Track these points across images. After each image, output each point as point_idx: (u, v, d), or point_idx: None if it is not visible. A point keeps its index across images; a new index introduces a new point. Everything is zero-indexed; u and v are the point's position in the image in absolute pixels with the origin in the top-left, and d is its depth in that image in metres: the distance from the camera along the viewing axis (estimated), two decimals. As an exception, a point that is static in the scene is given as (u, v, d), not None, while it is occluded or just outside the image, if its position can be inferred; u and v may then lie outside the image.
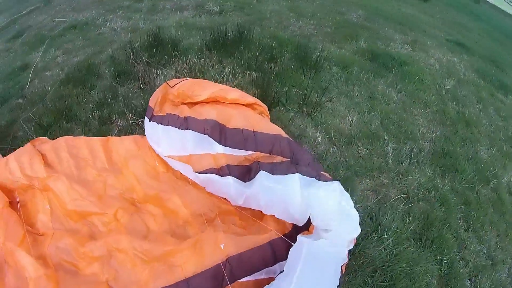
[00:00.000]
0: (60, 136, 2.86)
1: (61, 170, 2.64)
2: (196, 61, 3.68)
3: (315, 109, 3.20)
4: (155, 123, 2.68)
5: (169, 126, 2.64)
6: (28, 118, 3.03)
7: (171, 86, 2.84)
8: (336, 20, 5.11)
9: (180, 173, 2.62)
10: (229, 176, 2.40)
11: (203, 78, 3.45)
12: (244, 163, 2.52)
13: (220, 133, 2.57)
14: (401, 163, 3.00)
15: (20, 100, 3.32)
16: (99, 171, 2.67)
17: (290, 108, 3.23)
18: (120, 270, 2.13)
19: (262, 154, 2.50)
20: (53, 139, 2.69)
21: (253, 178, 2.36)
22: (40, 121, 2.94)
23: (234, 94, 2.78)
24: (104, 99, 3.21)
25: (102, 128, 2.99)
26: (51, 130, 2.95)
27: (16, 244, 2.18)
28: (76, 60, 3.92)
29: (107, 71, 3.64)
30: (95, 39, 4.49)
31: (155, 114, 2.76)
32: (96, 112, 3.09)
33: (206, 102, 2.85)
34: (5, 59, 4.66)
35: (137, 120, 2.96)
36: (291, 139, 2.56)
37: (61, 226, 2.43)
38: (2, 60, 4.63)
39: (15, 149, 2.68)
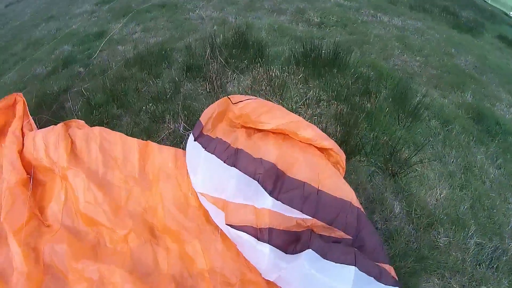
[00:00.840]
0: (104, 120, 2.54)
1: (87, 162, 2.33)
2: (279, 75, 3.15)
3: (401, 170, 2.55)
4: (199, 145, 2.21)
5: (214, 156, 2.15)
6: (79, 92, 2.74)
7: (233, 102, 2.32)
8: (443, 62, 4.34)
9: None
10: (267, 244, 1.86)
11: (281, 95, 2.95)
12: (293, 228, 1.95)
13: (275, 181, 2.04)
14: (480, 264, 2.26)
15: (82, 69, 3.08)
16: (127, 177, 2.30)
17: (372, 161, 2.61)
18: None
19: (321, 223, 1.94)
20: (91, 126, 2.34)
21: (298, 253, 1.85)
22: (89, 99, 2.62)
23: (309, 132, 2.18)
24: (164, 93, 2.85)
25: (151, 125, 2.65)
26: (98, 112, 2.67)
27: (14, 228, 2.04)
28: (153, 41, 3.62)
29: (179, 60, 3.28)
30: (179, 24, 4.21)
31: (204, 133, 2.29)
32: (151, 106, 2.71)
33: (272, 132, 2.29)
34: (86, 22, 4.59)
35: (190, 130, 2.51)
36: (362, 210, 1.98)
37: (70, 223, 2.18)
38: (83, 23, 4.56)
39: (55, 122, 2.47)
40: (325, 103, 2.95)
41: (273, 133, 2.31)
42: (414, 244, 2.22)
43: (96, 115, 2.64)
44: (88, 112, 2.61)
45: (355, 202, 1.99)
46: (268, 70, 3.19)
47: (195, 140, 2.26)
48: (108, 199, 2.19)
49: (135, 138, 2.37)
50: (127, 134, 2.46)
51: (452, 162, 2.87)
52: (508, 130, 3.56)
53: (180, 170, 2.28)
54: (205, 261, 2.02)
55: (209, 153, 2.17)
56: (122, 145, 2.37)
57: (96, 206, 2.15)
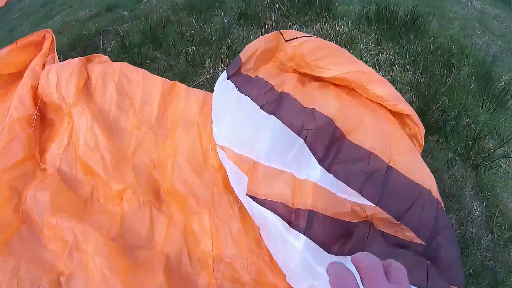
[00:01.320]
0: (137, 61, 2.16)
1: (100, 101, 1.92)
2: (347, 31, 2.51)
3: (484, 162, 1.98)
4: (232, 84, 1.63)
5: (248, 98, 1.55)
6: (117, 32, 2.37)
7: (286, 39, 1.66)
8: None
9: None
10: (303, 236, 1.22)
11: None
12: (346, 217, 1.26)
13: (329, 144, 1.39)
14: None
15: (126, 13, 2.71)
16: (141, 122, 1.81)
17: (452, 145, 2.04)
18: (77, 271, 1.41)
19: (386, 215, 1.25)
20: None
21: (345, 255, 1.23)
22: (124, 38, 2.21)
23: (382, 89, 1.49)
24: (209, 36, 2.36)
25: (188, 69, 2.22)
26: (132, 52, 2.27)
27: (3, 166, 1.71)
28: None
29: (233, 5, 2.76)
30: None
31: (243, 72, 1.66)
32: (192, 49, 2.23)
33: (333, 84, 1.58)
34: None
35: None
36: (442, 205, 1.31)
37: (68, 170, 1.78)
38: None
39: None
40: (399, 68, 2.43)
41: (335, 84, 1.62)
42: (491, 261, 1.67)
43: (129, 56, 2.29)
44: (120, 52, 2.24)
45: (435, 192, 1.28)
46: (335, 25, 2.59)
47: (228, 79, 1.65)
48: (111, 145, 1.72)
49: (160, 77, 1.86)
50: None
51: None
52: None
53: (205, 117, 1.69)
54: (213, 243, 1.42)
55: (243, 95, 1.55)
56: (144, 85, 1.89)
57: (95, 152, 1.70)
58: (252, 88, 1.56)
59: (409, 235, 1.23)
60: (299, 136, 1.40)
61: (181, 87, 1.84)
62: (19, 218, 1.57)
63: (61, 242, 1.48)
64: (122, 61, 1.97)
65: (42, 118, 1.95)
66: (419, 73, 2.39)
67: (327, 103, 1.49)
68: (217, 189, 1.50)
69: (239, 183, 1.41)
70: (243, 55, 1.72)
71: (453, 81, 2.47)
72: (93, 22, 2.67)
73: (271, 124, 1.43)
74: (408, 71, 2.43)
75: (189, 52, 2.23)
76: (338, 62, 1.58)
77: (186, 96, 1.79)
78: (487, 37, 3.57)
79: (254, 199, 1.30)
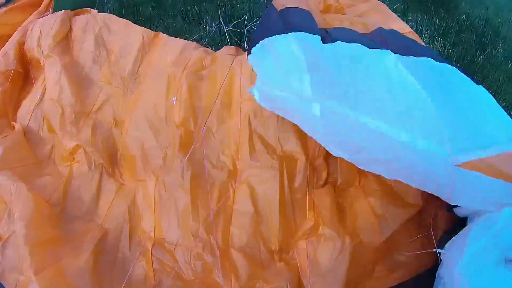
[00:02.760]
0: (133, 21, 1.93)
1: (77, 54, 1.67)
2: None
3: None
4: None
5: None
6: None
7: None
8: None
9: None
10: None
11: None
12: None
13: None
14: None
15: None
16: (113, 75, 1.52)
17: None
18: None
19: None
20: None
21: None
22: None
23: None
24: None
25: (183, 27, 1.98)
26: (129, 12, 2.10)
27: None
28: None
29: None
30: None
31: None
32: (192, 7, 2.01)
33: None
34: None
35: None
36: None
37: (36, 127, 1.56)
38: None
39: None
40: (428, 38, 2.25)
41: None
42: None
43: (125, 15, 2.04)
44: (118, 14, 1.97)
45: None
46: None
47: None
48: (75, 99, 1.46)
49: (143, 28, 1.58)
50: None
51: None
52: None
53: (179, 68, 1.35)
54: (153, 222, 1.05)
55: None
56: (124, 36, 1.62)
57: (56, 106, 1.49)
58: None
59: None
60: None
61: (163, 37, 1.54)
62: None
63: (3, 204, 1.26)
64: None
65: (25, 75, 1.77)
66: (449, 46, 2.15)
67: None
68: (172, 151, 1.15)
69: None
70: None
71: (487, 60, 2.20)
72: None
73: None
74: (437, 42, 2.20)
75: (186, 10, 1.97)
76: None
77: (163, 46, 1.48)
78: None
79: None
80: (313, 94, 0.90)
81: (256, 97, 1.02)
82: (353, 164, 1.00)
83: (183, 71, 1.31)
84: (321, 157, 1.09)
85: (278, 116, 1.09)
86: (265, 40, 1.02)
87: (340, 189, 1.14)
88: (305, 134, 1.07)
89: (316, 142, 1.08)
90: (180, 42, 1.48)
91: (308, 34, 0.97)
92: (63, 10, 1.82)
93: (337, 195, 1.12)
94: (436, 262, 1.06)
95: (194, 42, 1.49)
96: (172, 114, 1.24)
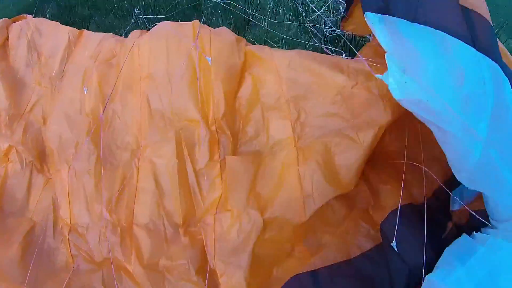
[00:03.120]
0: (69, 22, 1.98)
1: (12, 60, 1.70)
2: None
3: None
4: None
5: None
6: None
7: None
8: None
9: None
10: None
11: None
12: None
13: None
14: None
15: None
16: (43, 76, 1.60)
17: None
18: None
19: None
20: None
21: None
22: (59, 1, 2.05)
23: None
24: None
25: (114, 22, 2.05)
26: (65, 15, 2.14)
27: None
28: None
29: None
30: None
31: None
32: (122, 2, 2.04)
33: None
34: None
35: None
36: None
37: None
38: None
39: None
40: None
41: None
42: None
43: (62, 17, 2.12)
44: (55, 17, 2.04)
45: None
46: None
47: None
48: (9, 103, 1.53)
49: (69, 27, 1.63)
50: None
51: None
52: None
53: (93, 59, 1.40)
54: (69, 209, 1.13)
55: None
56: (53, 37, 1.66)
57: None
58: None
59: None
60: None
61: (86, 33, 1.59)
62: None
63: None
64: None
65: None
66: None
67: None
68: (82, 139, 1.21)
69: None
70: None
71: None
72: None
73: None
74: None
75: (117, 5, 2.01)
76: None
77: (84, 42, 1.53)
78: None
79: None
80: (486, 138, 0.83)
81: (393, 88, 0.83)
82: (288, 121, 1.05)
83: (95, 62, 1.36)
84: (223, 119, 1.08)
85: (172, 88, 1.11)
86: (426, 28, 0.85)
87: (265, 155, 1.11)
88: (205, 101, 1.10)
89: (216, 105, 1.09)
90: (98, 36, 1.52)
91: (499, 68, 0.87)
92: (1, 19, 1.89)
93: (259, 162, 1.09)
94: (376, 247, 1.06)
95: (112, 34, 1.52)
96: (85, 106, 1.29)
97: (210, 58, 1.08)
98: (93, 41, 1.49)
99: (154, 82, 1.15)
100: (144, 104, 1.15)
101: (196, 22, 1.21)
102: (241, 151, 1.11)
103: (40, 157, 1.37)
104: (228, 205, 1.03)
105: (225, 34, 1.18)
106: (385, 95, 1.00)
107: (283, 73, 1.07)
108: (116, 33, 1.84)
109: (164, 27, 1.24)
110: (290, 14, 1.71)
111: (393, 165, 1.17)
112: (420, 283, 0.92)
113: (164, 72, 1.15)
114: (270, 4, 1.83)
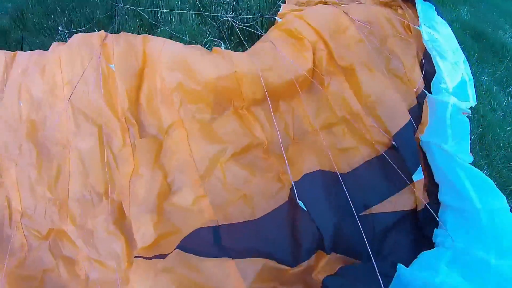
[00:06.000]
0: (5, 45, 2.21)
1: None
2: None
3: None
4: None
5: None
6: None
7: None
8: None
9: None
10: None
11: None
12: None
13: None
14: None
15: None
16: None
17: None
18: None
19: None
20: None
21: None
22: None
23: None
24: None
25: (44, 41, 2.19)
26: (2, 40, 2.29)
27: None
28: None
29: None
30: None
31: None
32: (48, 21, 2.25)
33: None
34: None
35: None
36: None
37: None
38: None
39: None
40: None
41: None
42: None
43: (1, 43, 2.27)
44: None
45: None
46: None
47: None
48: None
49: (4, 51, 1.86)
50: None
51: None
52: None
53: (25, 74, 1.65)
54: (20, 198, 1.41)
55: None
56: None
57: None
58: None
59: None
60: None
61: (19, 54, 1.82)
62: None
63: None
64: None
65: None
66: None
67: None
68: (23, 140, 1.47)
69: None
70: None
71: None
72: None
73: None
74: None
75: (45, 24, 2.21)
76: None
77: (17, 61, 1.76)
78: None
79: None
80: None
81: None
82: (174, 109, 1.37)
83: (26, 76, 1.61)
84: (128, 113, 1.40)
85: (88, 90, 1.41)
86: None
87: (163, 135, 1.43)
88: (114, 100, 1.42)
89: (121, 102, 1.40)
90: (27, 53, 1.74)
91: None
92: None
93: (160, 142, 1.41)
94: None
95: (39, 50, 1.74)
96: (22, 114, 1.54)
97: (113, 65, 1.38)
98: (23, 59, 1.73)
99: (73, 86, 1.43)
100: (69, 105, 1.43)
101: (102, 32, 1.50)
102: (146, 134, 1.43)
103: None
104: (139, 172, 1.34)
105: (124, 40, 1.48)
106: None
107: (164, 71, 1.42)
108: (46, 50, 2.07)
109: (77, 38, 1.51)
110: (193, 10, 2.01)
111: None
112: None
113: (80, 77, 1.43)
114: (178, 3, 2.10)
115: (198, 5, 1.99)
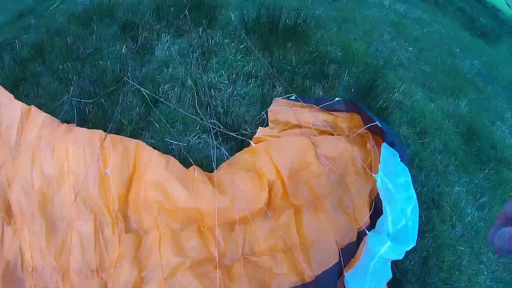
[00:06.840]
0: (23, 77, 2.44)
1: None
2: (219, 41, 2.72)
3: None
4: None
5: None
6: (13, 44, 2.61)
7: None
8: (441, 60, 3.64)
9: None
10: None
11: (205, 66, 2.54)
12: None
13: None
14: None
15: (33, 21, 2.86)
16: (5, 144, 2.13)
17: None
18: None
19: None
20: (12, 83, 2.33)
21: None
22: (15, 53, 2.54)
23: None
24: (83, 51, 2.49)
25: (58, 88, 2.39)
26: (20, 70, 2.48)
27: None
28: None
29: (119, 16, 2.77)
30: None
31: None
32: (65, 65, 2.40)
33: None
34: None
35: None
36: None
37: None
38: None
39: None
40: (257, 82, 2.47)
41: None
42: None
43: (18, 72, 2.48)
44: (12, 69, 2.44)
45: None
46: (211, 35, 2.74)
47: None
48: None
49: (20, 102, 2.12)
50: (35, 97, 2.32)
51: (416, 190, 2.12)
52: (505, 159, 2.83)
53: (38, 141, 1.96)
54: (32, 256, 1.77)
55: None
56: (10, 110, 2.17)
57: None
58: None
59: None
60: None
61: (34, 111, 2.09)
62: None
63: None
64: (12, 78, 2.29)
65: None
66: (280, 88, 2.37)
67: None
68: (35, 209, 1.83)
69: None
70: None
71: (326, 93, 2.45)
72: (2, 31, 2.85)
73: None
74: (266, 85, 2.43)
75: (62, 68, 2.40)
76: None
77: (33, 120, 2.04)
78: (395, 42, 3.50)
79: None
80: None
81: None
82: (152, 216, 1.72)
83: (38, 148, 1.92)
84: (118, 211, 1.77)
85: (88, 184, 1.76)
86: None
87: (143, 233, 1.79)
88: (108, 199, 1.75)
89: (113, 203, 1.75)
90: (40, 118, 2.03)
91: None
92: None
93: (140, 238, 1.76)
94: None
95: (50, 119, 2.03)
96: (34, 183, 1.88)
97: (109, 170, 1.68)
98: (37, 123, 2.03)
99: (77, 177, 1.75)
100: (72, 191, 1.75)
101: (102, 133, 1.78)
102: (130, 229, 1.80)
103: (8, 213, 1.96)
104: (122, 264, 1.71)
105: (120, 145, 1.76)
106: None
107: (147, 188, 1.76)
108: (59, 100, 2.31)
109: (82, 135, 1.80)
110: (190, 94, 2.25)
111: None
112: None
113: (83, 172, 1.74)
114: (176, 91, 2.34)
115: (194, 95, 2.22)
